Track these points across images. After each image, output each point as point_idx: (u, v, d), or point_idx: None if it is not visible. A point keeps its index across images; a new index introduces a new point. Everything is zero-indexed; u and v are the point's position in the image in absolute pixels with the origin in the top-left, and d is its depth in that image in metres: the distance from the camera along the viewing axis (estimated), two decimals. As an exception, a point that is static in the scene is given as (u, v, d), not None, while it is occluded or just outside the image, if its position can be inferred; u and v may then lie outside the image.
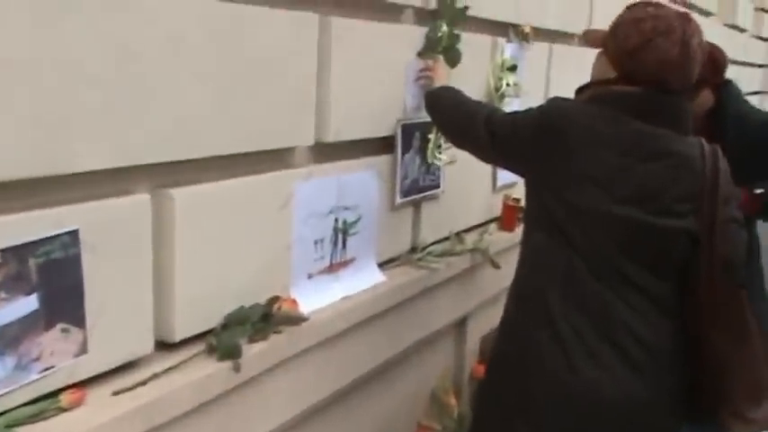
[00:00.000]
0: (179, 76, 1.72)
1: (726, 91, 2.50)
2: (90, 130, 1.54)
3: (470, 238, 3.10)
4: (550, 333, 1.93)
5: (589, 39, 2.16)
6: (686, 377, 2.01)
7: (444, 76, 2.55)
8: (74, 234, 1.53)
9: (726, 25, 8.47)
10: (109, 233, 1.62)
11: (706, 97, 2.47)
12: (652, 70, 1.90)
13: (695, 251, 1.91)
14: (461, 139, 2.37)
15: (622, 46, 1.94)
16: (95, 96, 1.54)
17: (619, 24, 1.98)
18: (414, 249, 2.83)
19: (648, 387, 1.93)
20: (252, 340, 1.96)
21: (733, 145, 2.41)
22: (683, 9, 1.96)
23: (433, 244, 2.91)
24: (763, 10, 10.76)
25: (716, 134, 2.45)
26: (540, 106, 2.05)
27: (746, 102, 2.67)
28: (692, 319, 1.98)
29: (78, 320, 1.57)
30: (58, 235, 1.50)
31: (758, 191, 2.40)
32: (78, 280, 1.56)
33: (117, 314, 1.66)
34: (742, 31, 9.33)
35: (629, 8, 2.01)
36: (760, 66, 10.69)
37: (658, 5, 1.98)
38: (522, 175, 2.15)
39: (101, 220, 1.60)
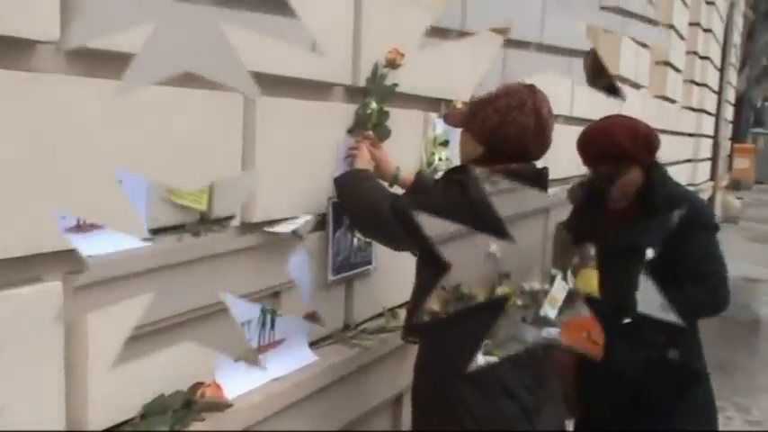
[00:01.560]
0: (96, 161, 1.68)
1: (656, 172, 2.54)
2: (-5, 218, 1.48)
3: (404, 314, 3.04)
4: (519, 406, 2.11)
5: (450, 121, 2.45)
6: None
7: (366, 157, 2.52)
8: (-24, 327, 1.46)
9: (657, 97, 8.75)
10: (15, 324, 1.55)
11: (636, 175, 2.50)
12: (515, 143, 2.10)
13: None
14: (368, 231, 2.44)
15: (483, 126, 2.12)
16: (2, 185, 1.48)
17: (476, 106, 2.16)
18: (347, 327, 2.79)
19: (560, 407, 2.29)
20: (173, 430, 1.88)
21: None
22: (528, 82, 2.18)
23: (366, 321, 2.87)
24: (692, 82, 11.18)
25: (646, 214, 2.50)
26: (455, 182, 2.08)
27: (675, 184, 2.68)
28: None
29: (-21, 418, 1.49)
30: (-41, 328, 1.43)
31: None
32: (-20, 375, 1.48)
33: (24, 411, 1.58)
34: (672, 102, 9.65)
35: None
36: (690, 135, 11.04)
37: (506, 82, 2.19)
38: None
39: (6, 310, 1.53)
